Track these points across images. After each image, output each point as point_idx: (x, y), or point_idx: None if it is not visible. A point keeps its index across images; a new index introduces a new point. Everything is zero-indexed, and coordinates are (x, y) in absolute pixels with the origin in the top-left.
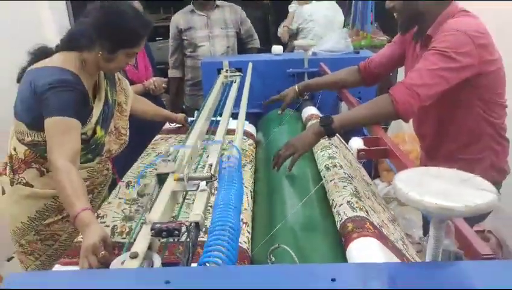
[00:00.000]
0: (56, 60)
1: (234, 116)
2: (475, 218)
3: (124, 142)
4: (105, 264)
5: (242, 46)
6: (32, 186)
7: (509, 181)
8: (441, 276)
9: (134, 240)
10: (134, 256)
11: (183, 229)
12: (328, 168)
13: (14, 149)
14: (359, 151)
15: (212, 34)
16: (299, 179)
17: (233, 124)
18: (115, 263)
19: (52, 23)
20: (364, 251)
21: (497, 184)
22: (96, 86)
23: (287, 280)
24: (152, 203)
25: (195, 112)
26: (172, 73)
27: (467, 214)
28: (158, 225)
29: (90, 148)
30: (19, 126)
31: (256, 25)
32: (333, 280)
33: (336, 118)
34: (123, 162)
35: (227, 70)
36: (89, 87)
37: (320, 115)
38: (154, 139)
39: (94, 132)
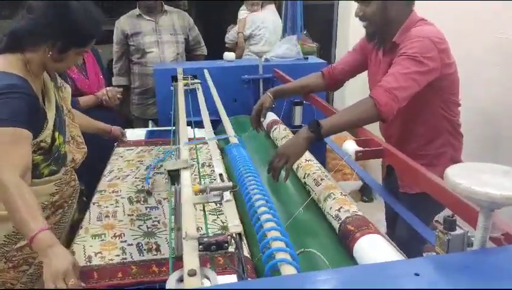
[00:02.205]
0: None
1: (190, 124)
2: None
3: (85, 152)
4: None
5: (189, 53)
6: None
7: None
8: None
9: (177, 256)
10: (192, 274)
11: (232, 241)
12: (304, 183)
13: None
14: (357, 152)
15: (161, 39)
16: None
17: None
18: (171, 283)
19: None
20: (373, 247)
21: None
22: (44, 89)
23: (371, 280)
24: (176, 217)
25: (150, 122)
26: (117, 81)
27: None
28: (206, 239)
29: (53, 157)
30: None
31: None
32: (417, 274)
33: (323, 122)
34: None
35: (185, 77)
36: (37, 91)
37: (279, 120)
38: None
39: (53, 139)
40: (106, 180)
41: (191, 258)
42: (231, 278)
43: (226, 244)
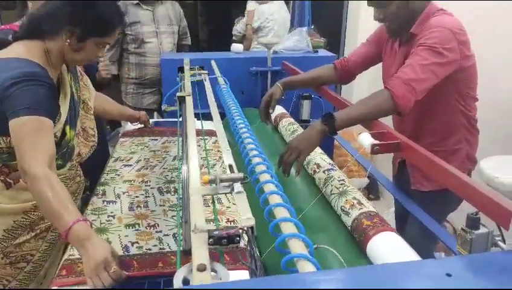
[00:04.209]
0: (17, 51)
1: (197, 116)
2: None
3: (94, 145)
4: (117, 280)
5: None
6: None
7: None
8: None
9: (186, 250)
10: (203, 269)
11: (244, 234)
12: (312, 178)
13: None
14: (374, 145)
15: (159, 30)
16: (288, 178)
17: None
18: (179, 278)
19: None
20: (388, 246)
21: (470, 174)
22: (60, 81)
23: (402, 278)
24: (183, 209)
25: (155, 113)
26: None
27: None
28: (216, 233)
29: (61, 152)
30: None
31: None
32: (448, 275)
33: (337, 115)
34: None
35: (192, 68)
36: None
37: (287, 113)
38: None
39: (63, 133)
40: (135, 169)
41: (200, 252)
42: (242, 275)
43: (238, 238)
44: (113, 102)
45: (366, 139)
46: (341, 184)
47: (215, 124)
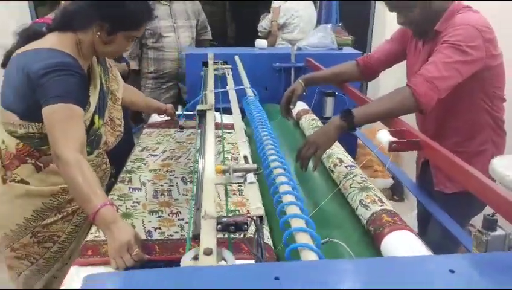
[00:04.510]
0: (50, 42)
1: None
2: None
3: (120, 134)
4: (139, 262)
5: (196, 38)
6: (28, 183)
7: None
8: None
9: (195, 236)
10: (209, 253)
11: (251, 223)
12: (332, 171)
13: (3, 142)
14: (391, 143)
15: (176, 24)
16: (304, 175)
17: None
18: (186, 261)
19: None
20: (403, 244)
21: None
22: (90, 72)
23: (403, 272)
24: (196, 197)
25: (179, 106)
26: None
27: None
28: (225, 219)
29: (89, 139)
30: (8, 117)
31: (214, 20)
32: (452, 271)
33: (356, 111)
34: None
35: (215, 62)
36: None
37: (309, 110)
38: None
39: (92, 122)
40: (160, 159)
41: (208, 237)
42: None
43: (246, 226)
44: (140, 94)
45: (384, 136)
46: (363, 180)
47: (234, 118)
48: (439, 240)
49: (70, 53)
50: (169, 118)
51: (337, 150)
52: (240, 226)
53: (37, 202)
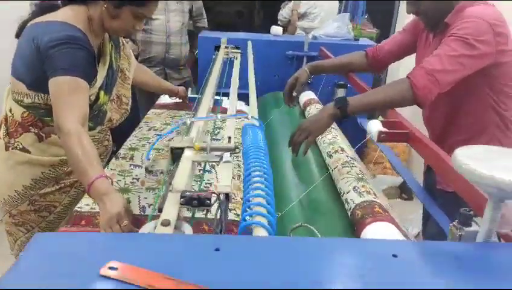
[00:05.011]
0: (63, 15)
1: (226, 95)
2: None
3: (126, 112)
4: (127, 233)
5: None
6: (29, 152)
7: None
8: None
9: (160, 208)
10: (166, 224)
11: (214, 199)
12: (330, 155)
13: (10, 110)
14: (380, 133)
15: (168, 7)
16: (303, 163)
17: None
18: (144, 230)
19: None
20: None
21: None
22: (101, 49)
23: (345, 254)
24: (172, 173)
25: (189, 89)
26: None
27: None
28: (189, 193)
29: (92, 114)
30: (17, 86)
31: (244, 7)
32: (395, 256)
33: (352, 100)
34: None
35: (226, 46)
36: (94, 49)
37: (316, 99)
38: (147, 113)
39: (97, 98)
40: (165, 139)
41: (169, 210)
42: None
43: (208, 201)
44: (153, 74)
45: (374, 126)
46: (362, 173)
47: (230, 104)
48: (437, 238)
49: (82, 28)
50: (180, 100)
51: (343, 141)
52: (202, 201)
53: (36, 171)
